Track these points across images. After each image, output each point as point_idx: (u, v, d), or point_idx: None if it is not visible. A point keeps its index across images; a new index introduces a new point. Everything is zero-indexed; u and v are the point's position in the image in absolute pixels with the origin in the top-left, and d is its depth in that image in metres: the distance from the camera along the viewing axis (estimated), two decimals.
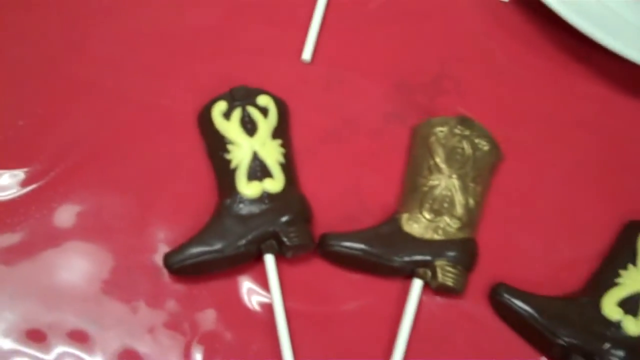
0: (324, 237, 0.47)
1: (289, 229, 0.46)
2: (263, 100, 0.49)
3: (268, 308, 0.46)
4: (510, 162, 0.52)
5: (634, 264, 0.47)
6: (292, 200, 0.47)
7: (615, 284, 0.47)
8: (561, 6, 0.51)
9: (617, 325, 0.46)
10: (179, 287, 0.47)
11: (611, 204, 0.51)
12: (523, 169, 0.52)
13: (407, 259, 0.47)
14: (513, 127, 0.53)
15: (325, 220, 0.49)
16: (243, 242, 0.46)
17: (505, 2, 0.57)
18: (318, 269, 0.48)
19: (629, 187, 0.52)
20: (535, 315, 0.46)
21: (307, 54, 0.53)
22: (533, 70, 0.55)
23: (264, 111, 0.49)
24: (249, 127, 0.48)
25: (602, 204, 0.51)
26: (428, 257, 0.47)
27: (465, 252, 0.48)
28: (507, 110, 0.54)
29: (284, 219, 0.46)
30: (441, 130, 0.50)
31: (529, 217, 0.51)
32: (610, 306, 0.46)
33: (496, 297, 0.47)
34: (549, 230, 0.50)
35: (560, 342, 0.46)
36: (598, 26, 0.51)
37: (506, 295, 0.47)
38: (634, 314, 0.46)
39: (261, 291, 0.47)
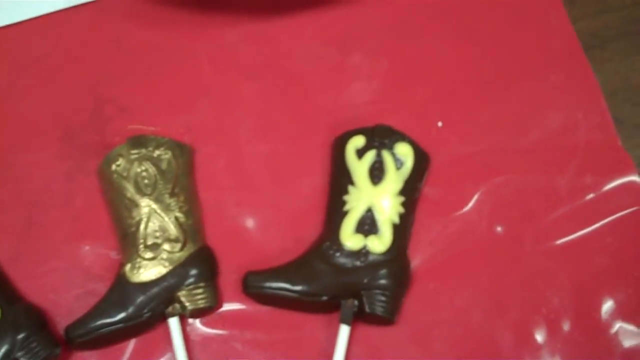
0: (66, 333, 0.45)
1: (30, 347, 0.44)
2: None
3: None
4: (203, 147, 0.49)
5: (352, 183, 0.46)
6: (16, 318, 0.45)
7: (345, 213, 0.46)
8: None
9: (364, 252, 0.45)
10: None
11: (313, 134, 0.50)
12: (217, 149, 0.50)
13: (149, 309, 0.45)
14: (185, 113, 0.51)
15: (65, 310, 0.47)
16: None
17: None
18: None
19: (323, 108, 0.51)
20: (288, 287, 0.45)
21: None
22: (175, 49, 0.52)
23: None
24: None
25: (306, 137, 0.50)
26: (168, 294, 0.45)
27: (199, 266, 0.46)
28: (172, 103, 0.51)
29: (19, 338, 0.44)
30: (118, 164, 0.47)
31: (242, 192, 0.49)
32: (349, 238, 0.45)
33: (248, 290, 0.46)
34: (266, 194, 0.49)
35: (324, 298, 0.45)
36: None
37: (255, 284, 0.45)
38: (374, 232, 0.45)
39: None
